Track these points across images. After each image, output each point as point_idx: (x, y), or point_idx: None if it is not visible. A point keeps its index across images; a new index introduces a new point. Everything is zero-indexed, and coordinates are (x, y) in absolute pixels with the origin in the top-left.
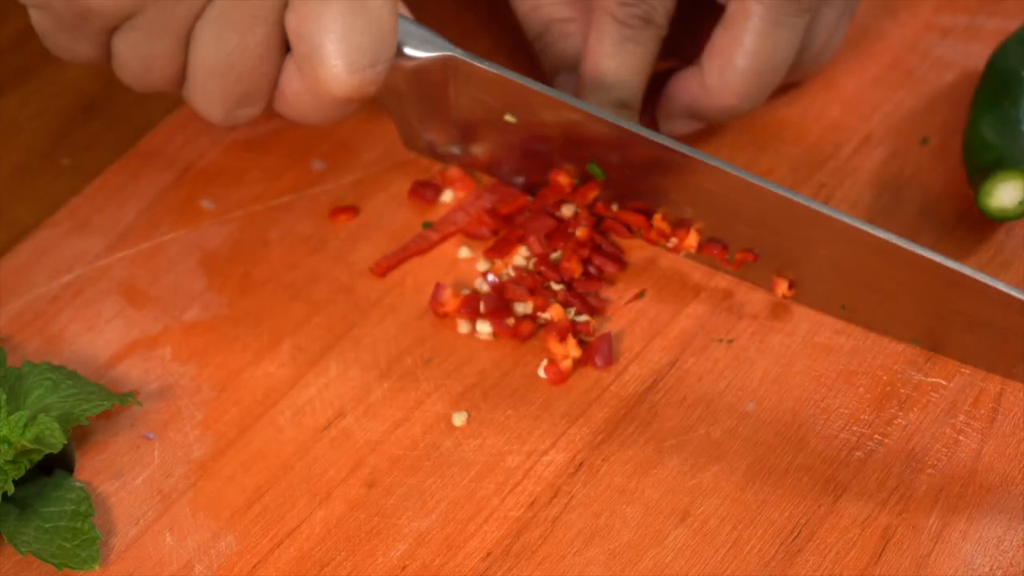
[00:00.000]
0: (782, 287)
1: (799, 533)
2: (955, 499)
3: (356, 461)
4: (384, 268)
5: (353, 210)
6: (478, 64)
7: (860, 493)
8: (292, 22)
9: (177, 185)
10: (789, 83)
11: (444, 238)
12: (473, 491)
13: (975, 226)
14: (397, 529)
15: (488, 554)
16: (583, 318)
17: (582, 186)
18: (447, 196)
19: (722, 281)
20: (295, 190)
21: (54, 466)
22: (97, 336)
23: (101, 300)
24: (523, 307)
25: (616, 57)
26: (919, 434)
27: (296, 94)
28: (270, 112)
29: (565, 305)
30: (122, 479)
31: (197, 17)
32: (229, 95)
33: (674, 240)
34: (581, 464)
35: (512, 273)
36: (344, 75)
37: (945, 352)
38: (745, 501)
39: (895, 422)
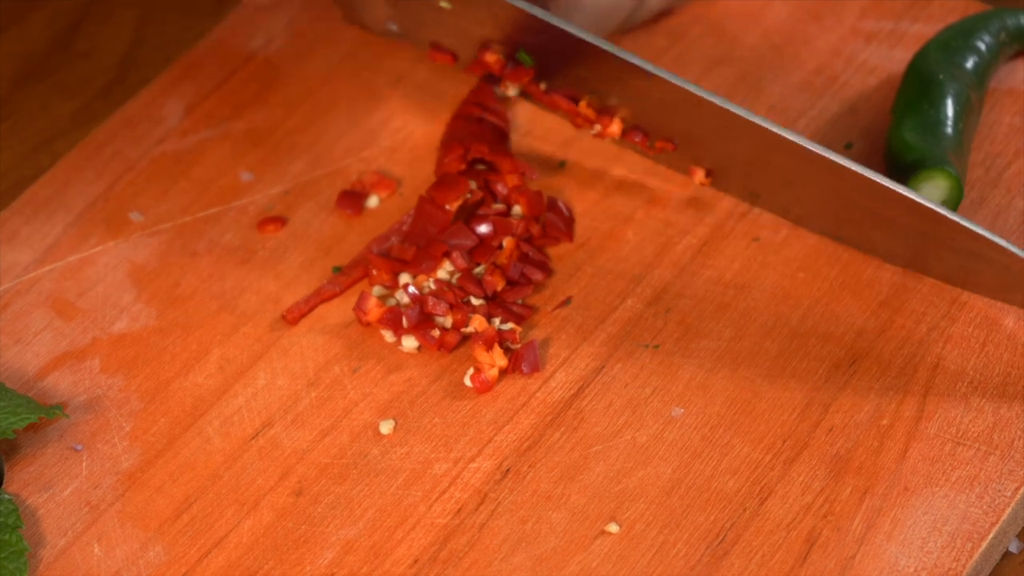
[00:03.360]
0: (699, 175)
1: (725, 537)
2: (880, 501)
3: (284, 470)
4: (296, 316)
5: (281, 220)
6: None
7: (785, 496)
8: None
9: (106, 197)
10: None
11: (354, 282)
12: (400, 498)
13: None
14: (325, 537)
15: (415, 561)
16: (508, 326)
17: (514, 69)
18: (373, 202)
19: (648, 287)
20: (223, 201)
21: None
22: (25, 349)
23: (30, 313)
24: (445, 320)
25: None
26: (844, 437)
27: None
28: (197, 123)
29: (488, 316)
30: (50, 491)
31: None
32: None
33: (598, 126)
34: (508, 470)
35: (433, 286)
36: None
37: (863, 248)
38: (671, 506)
39: (820, 425)
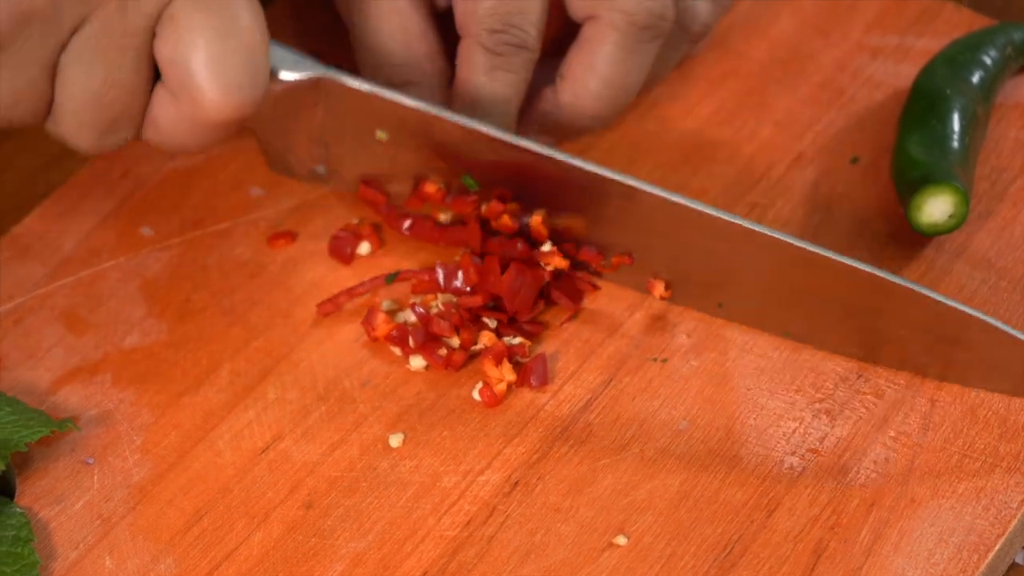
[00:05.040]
0: (659, 288)
1: (732, 549)
2: (887, 513)
3: (294, 483)
4: (329, 309)
5: (291, 235)
6: (351, 83)
7: (792, 508)
8: (163, 50)
9: (117, 213)
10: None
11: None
12: (409, 511)
13: (906, 243)
14: (334, 550)
15: (424, 574)
16: (517, 340)
17: (457, 197)
18: (364, 248)
19: (656, 302)
20: (233, 216)
21: None
22: (38, 363)
23: (41, 328)
24: (451, 340)
25: (487, 87)
26: (851, 449)
27: (172, 121)
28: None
29: (498, 333)
30: (62, 504)
31: (63, 48)
32: (99, 123)
33: (550, 244)
34: (517, 483)
35: (441, 306)
36: (220, 98)
37: (824, 347)
38: (678, 518)
39: (827, 438)
